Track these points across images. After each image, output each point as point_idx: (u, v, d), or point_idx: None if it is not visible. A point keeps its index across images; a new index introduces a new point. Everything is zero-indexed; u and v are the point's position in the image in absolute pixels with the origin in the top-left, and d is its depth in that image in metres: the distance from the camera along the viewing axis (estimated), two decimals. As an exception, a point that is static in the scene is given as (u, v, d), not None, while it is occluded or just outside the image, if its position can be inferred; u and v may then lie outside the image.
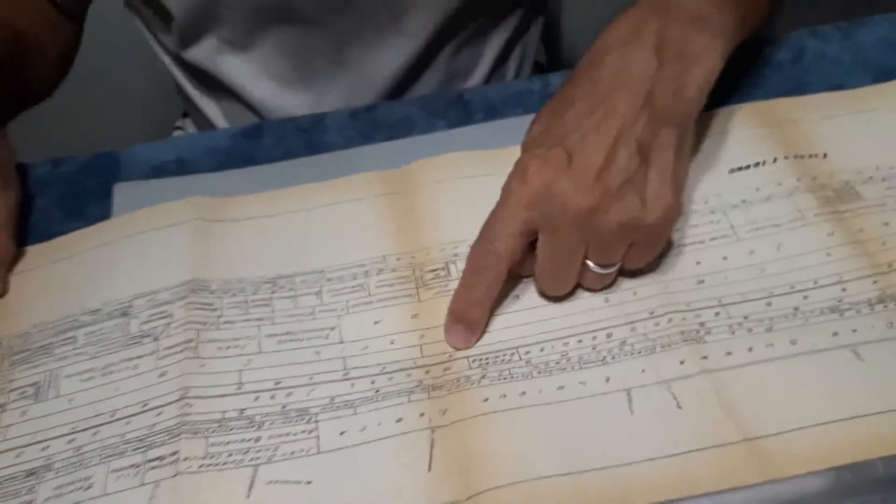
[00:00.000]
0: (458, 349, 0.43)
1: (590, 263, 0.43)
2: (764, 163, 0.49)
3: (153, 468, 0.40)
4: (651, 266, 0.45)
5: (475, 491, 0.38)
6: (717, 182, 0.49)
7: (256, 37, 0.65)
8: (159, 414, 0.42)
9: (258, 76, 0.67)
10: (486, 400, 0.41)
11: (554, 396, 0.41)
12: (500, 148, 0.52)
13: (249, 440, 0.41)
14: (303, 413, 0.42)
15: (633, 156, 0.41)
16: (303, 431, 0.41)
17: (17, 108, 0.61)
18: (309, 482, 0.39)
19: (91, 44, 0.70)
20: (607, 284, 0.44)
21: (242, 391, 0.43)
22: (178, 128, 0.82)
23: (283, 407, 0.42)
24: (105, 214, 0.53)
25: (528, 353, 0.43)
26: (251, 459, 0.40)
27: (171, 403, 0.42)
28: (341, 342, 0.44)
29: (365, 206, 0.51)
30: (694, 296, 0.44)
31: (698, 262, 0.45)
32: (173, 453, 0.40)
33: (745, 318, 0.43)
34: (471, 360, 0.43)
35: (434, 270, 0.47)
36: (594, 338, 0.43)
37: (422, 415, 0.41)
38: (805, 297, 0.43)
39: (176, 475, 0.39)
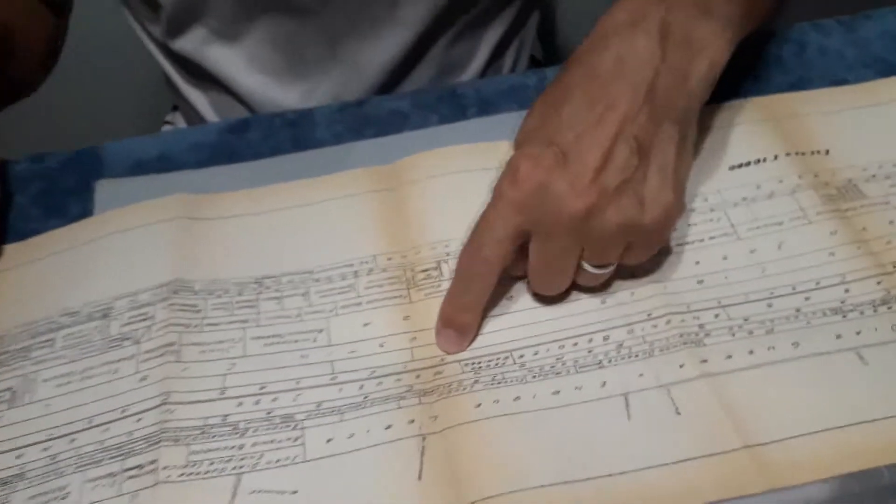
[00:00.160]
0: (449, 353, 0.42)
1: (585, 264, 0.41)
2: (765, 160, 0.48)
3: (131, 477, 0.39)
4: (649, 266, 0.44)
5: (467, 501, 0.36)
6: (717, 179, 0.47)
7: (246, 27, 0.64)
8: (139, 420, 0.40)
9: (248, 67, 0.66)
10: (479, 406, 0.39)
11: (549, 402, 0.39)
12: (494, 141, 0.50)
13: (232, 448, 0.39)
14: (288, 419, 0.40)
15: (632, 154, 0.40)
16: (288, 439, 0.39)
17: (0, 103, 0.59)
18: (294, 492, 0.38)
19: (78, 34, 0.68)
20: (604, 282, 0.43)
21: (226, 396, 0.41)
22: (168, 122, 0.81)
23: (268, 413, 0.40)
24: (86, 212, 0.52)
25: (521, 356, 0.41)
26: (234, 468, 0.39)
27: (151, 409, 0.41)
28: (329, 345, 0.43)
29: (354, 203, 0.49)
30: (693, 297, 0.43)
31: (697, 262, 0.44)
32: (152, 462, 0.39)
33: (746, 319, 0.41)
34: (463, 363, 0.42)
35: (426, 270, 0.45)
36: (590, 340, 0.42)
37: (412, 421, 0.40)
38: (807, 299, 0.42)
39: (155, 484, 0.38)
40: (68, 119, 1.01)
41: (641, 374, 0.40)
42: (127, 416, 0.41)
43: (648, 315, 0.42)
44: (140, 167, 0.54)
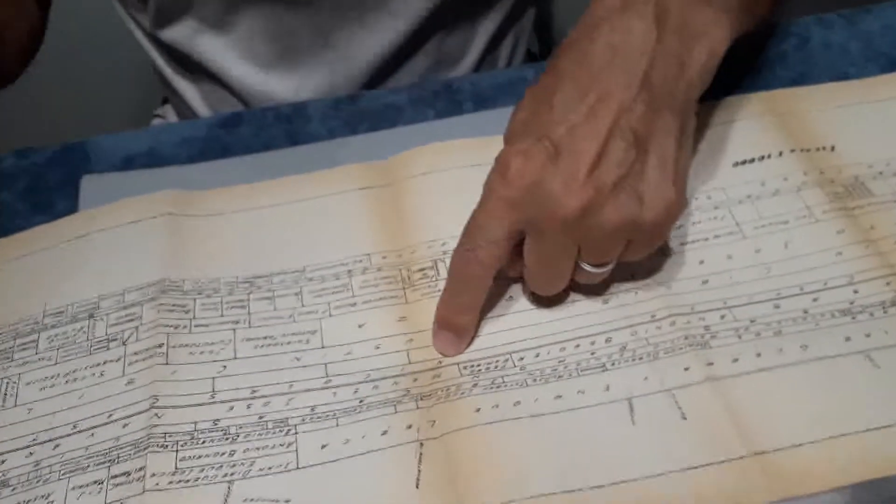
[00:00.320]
0: (446, 355, 0.41)
1: (583, 263, 0.40)
2: (769, 156, 0.46)
3: (118, 485, 0.37)
4: (652, 265, 0.42)
5: (466, 509, 0.35)
6: (720, 176, 0.46)
7: (236, 17, 0.62)
8: (126, 425, 0.39)
9: (238, 58, 0.64)
10: (478, 410, 0.38)
11: (550, 406, 0.38)
12: (491, 136, 0.49)
13: (223, 454, 0.38)
14: (281, 424, 0.39)
15: (629, 147, 0.38)
16: (281, 444, 0.38)
17: None
18: (288, 500, 0.36)
19: (65, 25, 0.67)
20: (604, 281, 0.42)
21: (216, 400, 0.40)
22: (158, 116, 0.79)
23: (260, 417, 0.39)
24: (72, 208, 0.50)
25: (522, 359, 0.40)
26: (225, 475, 0.37)
27: (138, 414, 0.39)
28: (323, 347, 0.42)
29: (348, 200, 0.48)
30: (698, 297, 0.41)
31: (702, 262, 0.43)
32: (140, 469, 0.37)
33: (753, 321, 0.40)
34: (461, 366, 0.40)
35: (422, 269, 0.44)
36: (593, 342, 0.40)
37: (409, 426, 0.38)
38: (815, 300, 0.41)
39: (143, 493, 0.37)
40: (55, 113, 0.99)
41: (646, 378, 0.39)
42: (113, 421, 0.39)
43: (652, 316, 0.41)
44: (128, 162, 0.53)
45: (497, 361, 0.40)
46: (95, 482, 0.37)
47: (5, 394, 0.41)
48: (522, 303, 0.42)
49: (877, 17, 0.55)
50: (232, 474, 0.37)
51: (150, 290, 0.44)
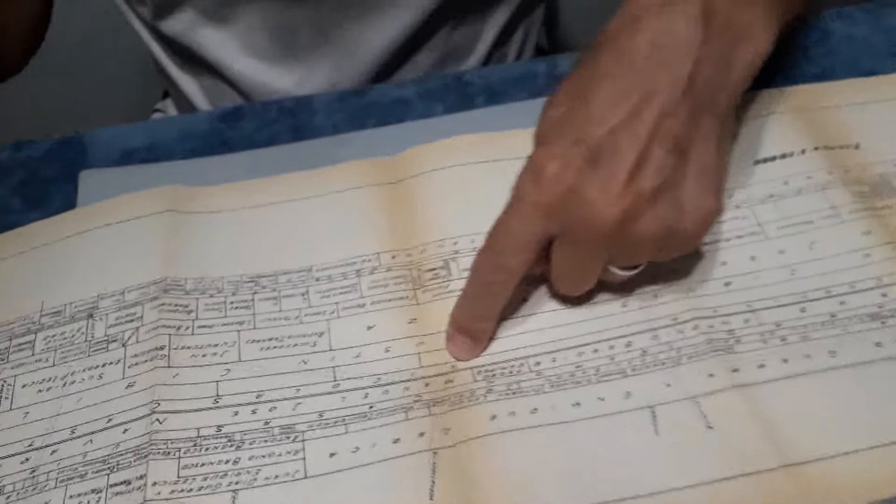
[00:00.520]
0: (460, 360, 0.39)
1: (612, 267, 0.38)
2: (792, 154, 0.45)
3: (118, 493, 0.36)
4: (672, 266, 0.41)
5: (483, 522, 0.34)
6: (742, 174, 0.44)
7: (236, 9, 0.61)
8: (126, 431, 0.37)
9: (239, 51, 0.63)
10: (494, 418, 0.37)
11: (569, 414, 0.37)
12: (504, 131, 0.47)
13: (228, 462, 0.36)
14: (288, 431, 0.37)
15: (670, 153, 0.36)
16: (288, 452, 0.37)
17: None
18: (295, 511, 0.35)
19: (64, 15, 0.65)
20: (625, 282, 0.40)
21: (220, 405, 0.38)
22: (158, 110, 0.78)
23: (266, 423, 0.38)
24: (69, 204, 0.49)
25: (538, 363, 0.39)
26: (230, 484, 0.36)
27: (139, 419, 0.38)
28: (331, 350, 0.40)
29: (356, 197, 0.46)
30: (721, 300, 0.40)
31: (724, 263, 0.41)
32: (140, 477, 0.36)
33: (778, 325, 0.39)
34: (475, 371, 0.39)
35: (433, 270, 0.42)
36: (612, 347, 0.39)
37: (422, 434, 0.37)
38: (842, 303, 0.39)
39: (144, 502, 0.35)
40: (52, 105, 0.97)
41: (668, 385, 0.37)
42: (113, 427, 0.38)
43: (674, 319, 0.39)
44: (127, 156, 0.52)
45: (512, 366, 0.39)
46: (94, 490, 0.36)
47: (0, 397, 0.40)
48: (537, 305, 0.41)
49: (899, 11, 0.53)
50: (237, 483, 0.36)
51: (151, 290, 0.42)
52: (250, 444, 0.37)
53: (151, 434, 0.37)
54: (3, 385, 0.40)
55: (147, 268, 0.43)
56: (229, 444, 0.37)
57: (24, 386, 0.40)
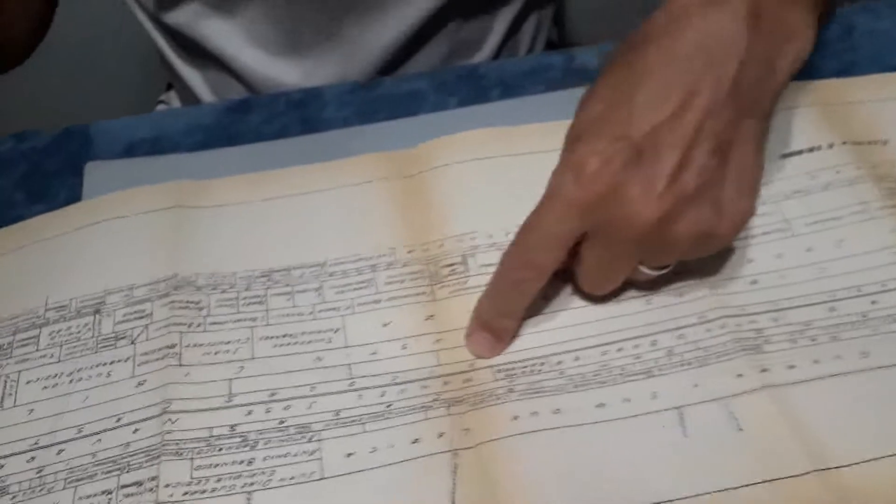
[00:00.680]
0: (481, 358, 0.38)
1: (642, 267, 0.37)
2: (819, 148, 0.44)
3: (129, 495, 0.34)
4: (697, 263, 0.39)
5: (508, 527, 0.32)
6: (767, 168, 0.43)
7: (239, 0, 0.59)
8: (136, 431, 0.36)
9: (245, 43, 0.61)
10: (516, 418, 0.36)
11: (593, 415, 0.35)
12: (520, 125, 0.46)
13: (242, 462, 0.35)
14: (303, 430, 0.36)
15: (712, 154, 0.35)
16: (304, 452, 0.35)
17: None
18: (312, 514, 0.34)
19: (67, 7, 0.64)
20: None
21: (233, 404, 0.37)
22: (162, 102, 0.76)
23: (281, 422, 0.36)
24: (73, 197, 0.48)
25: (560, 362, 0.37)
26: (244, 485, 0.34)
27: (150, 419, 0.36)
28: (346, 347, 0.39)
29: (369, 190, 0.45)
30: (748, 298, 0.39)
31: (751, 260, 0.40)
32: (153, 478, 0.35)
33: (807, 324, 0.38)
34: (495, 369, 0.38)
35: (450, 265, 0.41)
36: (637, 346, 0.38)
37: (441, 435, 0.36)
38: (873, 303, 0.38)
39: (156, 504, 0.34)
40: (53, 97, 0.96)
41: (696, 385, 0.36)
42: (122, 426, 0.37)
43: (700, 318, 0.38)
44: (132, 149, 0.50)
45: (534, 365, 0.38)
46: (104, 492, 0.35)
47: (3, 393, 0.38)
48: (558, 302, 0.40)
49: (921, 5, 0.52)
50: (251, 484, 0.34)
51: (160, 286, 0.41)
52: (265, 444, 0.36)
53: (164, 434, 0.36)
54: (6, 381, 0.39)
55: (155, 263, 0.42)
56: (243, 444, 0.36)
57: (28, 382, 0.39)
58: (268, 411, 0.37)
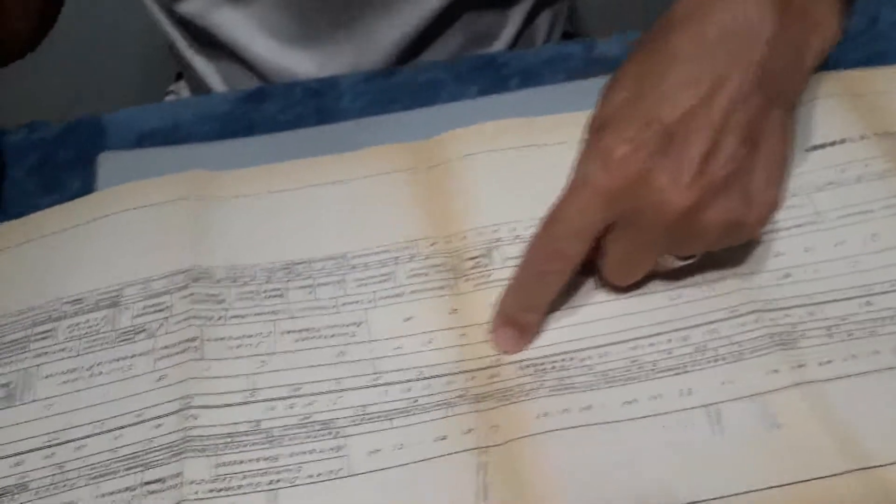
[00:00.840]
0: (506, 353, 0.37)
1: (668, 256, 0.36)
2: (849, 140, 0.43)
3: (152, 493, 0.34)
4: (727, 255, 0.39)
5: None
6: (796, 160, 0.42)
7: None
8: (158, 426, 0.35)
9: (257, 33, 0.61)
10: (545, 415, 0.35)
11: (623, 412, 0.35)
12: (543, 115, 0.45)
13: (266, 459, 0.34)
14: (328, 426, 0.35)
15: (742, 142, 0.34)
16: (330, 448, 0.35)
17: None
18: (340, 512, 0.33)
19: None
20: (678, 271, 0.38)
21: (256, 399, 0.36)
22: (171, 92, 0.75)
23: (305, 418, 0.36)
24: (87, 188, 0.47)
25: (588, 358, 0.37)
26: (269, 482, 0.34)
27: (171, 414, 0.36)
28: (370, 341, 0.38)
29: (389, 182, 0.44)
30: (781, 292, 0.38)
31: (781, 253, 0.39)
32: (176, 475, 0.34)
33: (843, 319, 0.37)
34: (522, 365, 0.37)
35: (474, 258, 0.40)
36: (669, 341, 0.37)
37: (468, 431, 0.35)
38: None
39: (181, 502, 0.33)
40: (59, 86, 0.95)
41: (730, 381, 0.35)
42: (143, 421, 0.36)
43: (732, 312, 0.37)
44: (144, 139, 0.50)
45: (561, 361, 0.37)
46: (127, 489, 0.34)
47: (22, 387, 0.38)
48: (584, 295, 0.39)
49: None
50: (277, 482, 0.34)
51: (178, 279, 0.40)
52: (290, 439, 0.35)
53: (186, 430, 0.35)
54: (24, 375, 0.38)
55: (172, 255, 0.41)
56: (267, 440, 0.35)
57: (46, 376, 0.38)
58: (291, 407, 0.36)
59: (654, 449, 0.34)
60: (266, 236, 0.42)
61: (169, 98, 0.75)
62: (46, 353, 0.39)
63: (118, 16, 0.86)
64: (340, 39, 0.62)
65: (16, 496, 0.34)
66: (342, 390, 0.36)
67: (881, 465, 0.32)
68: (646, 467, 0.33)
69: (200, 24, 0.61)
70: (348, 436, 0.35)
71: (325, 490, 0.34)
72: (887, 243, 0.39)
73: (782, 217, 0.40)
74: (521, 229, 0.41)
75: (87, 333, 0.39)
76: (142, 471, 0.34)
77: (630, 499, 0.32)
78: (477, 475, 0.33)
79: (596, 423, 0.34)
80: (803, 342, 0.36)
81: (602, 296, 0.39)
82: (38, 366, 0.38)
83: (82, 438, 0.36)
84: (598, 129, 0.35)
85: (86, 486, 0.34)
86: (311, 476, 0.34)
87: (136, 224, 0.43)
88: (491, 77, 0.50)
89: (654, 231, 0.35)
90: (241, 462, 0.34)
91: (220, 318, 0.39)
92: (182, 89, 0.74)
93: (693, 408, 0.35)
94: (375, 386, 0.37)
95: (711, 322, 0.37)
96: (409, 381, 0.37)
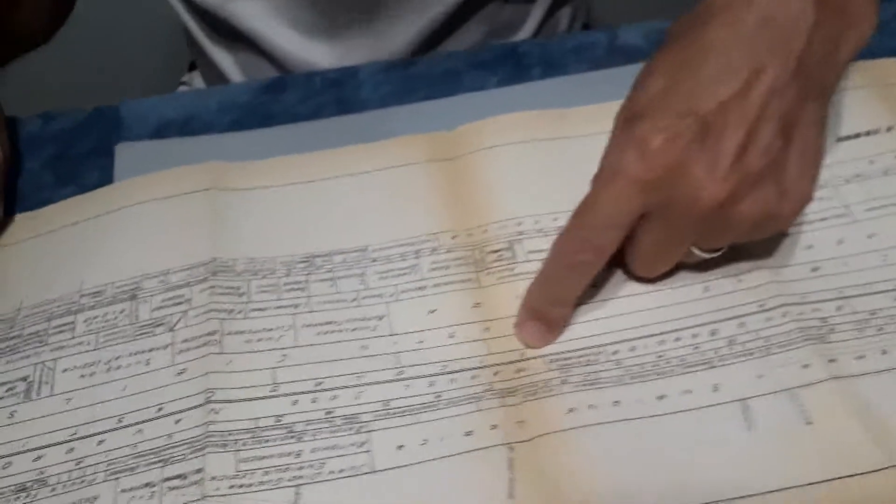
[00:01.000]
0: (532, 347, 0.37)
1: (696, 248, 0.36)
2: (877, 131, 0.42)
3: (173, 488, 0.33)
4: (754, 248, 0.38)
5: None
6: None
7: None
8: (178, 421, 0.35)
9: (277, 23, 0.60)
10: (573, 410, 0.34)
11: (653, 408, 0.34)
12: (567, 107, 0.44)
13: (289, 454, 0.34)
14: (351, 421, 0.35)
15: (778, 134, 0.34)
16: (353, 444, 0.34)
17: (6, 56, 0.53)
18: (365, 509, 0.32)
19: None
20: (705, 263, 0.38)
21: (278, 393, 0.36)
22: (184, 83, 0.75)
23: (328, 413, 0.35)
24: (104, 179, 0.46)
25: (616, 352, 0.36)
26: (292, 479, 0.33)
27: (192, 409, 0.35)
28: (392, 335, 0.37)
29: (410, 173, 0.43)
30: (809, 286, 0.37)
31: (810, 246, 0.39)
32: (198, 470, 0.33)
33: (873, 314, 0.36)
34: (548, 359, 0.36)
35: (497, 251, 0.40)
36: (696, 335, 0.36)
37: (494, 427, 0.34)
38: None
39: (203, 498, 0.33)
40: (74, 76, 0.94)
41: (760, 376, 0.34)
42: (164, 416, 0.35)
43: (761, 306, 0.37)
44: (163, 129, 0.49)
45: (589, 355, 0.36)
46: (147, 485, 0.33)
47: (40, 381, 0.37)
48: (611, 289, 0.38)
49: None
50: (300, 478, 0.33)
51: (198, 271, 0.40)
52: (313, 435, 0.34)
53: (207, 425, 0.35)
54: (42, 368, 0.38)
55: (191, 247, 0.41)
56: (290, 435, 0.34)
57: (65, 370, 0.38)
58: (314, 401, 0.35)
59: (686, 445, 0.33)
60: (286, 228, 0.42)
61: (181, 89, 0.74)
62: (65, 346, 0.38)
63: (132, 6, 0.85)
64: (362, 30, 0.61)
65: (35, 491, 0.34)
66: (365, 384, 0.36)
67: (918, 463, 0.32)
68: (677, 464, 0.33)
69: (220, 15, 0.61)
70: (372, 431, 0.34)
71: (349, 486, 0.33)
72: (919, 237, 0.38)
73: (812, 209, 0.40)
74: (544, 222, 0.41)
75: (105, 327, 0.39)
76: (162, 466, 0.34)
77: (660, 496, 0.32)
78: (503, 471, 0.33)
79: (625, 419, 0.34)
80: (834, 336, 0.35)
81: (627, 289, 0.38)
82: (56, 360, 0.38)
83: (102, 433, 0.35)
84: (631, 119, 0.35)
85: (105, 481, 0.34)
86: (334, 472, 0.33)
87: (155, 216, 0.43)
88: (512, 66, 0.50)
89: (686, 222, 0.34)
90: (264, 458, 0.34)
91: (240, 312, 0.38)
92: (195, 80, 0.73)
93: (724, 403, 0.34)
94: (398, 380, 0.36)
95: (739, 316, 0.36)
96: (432, 375, 0.36)
